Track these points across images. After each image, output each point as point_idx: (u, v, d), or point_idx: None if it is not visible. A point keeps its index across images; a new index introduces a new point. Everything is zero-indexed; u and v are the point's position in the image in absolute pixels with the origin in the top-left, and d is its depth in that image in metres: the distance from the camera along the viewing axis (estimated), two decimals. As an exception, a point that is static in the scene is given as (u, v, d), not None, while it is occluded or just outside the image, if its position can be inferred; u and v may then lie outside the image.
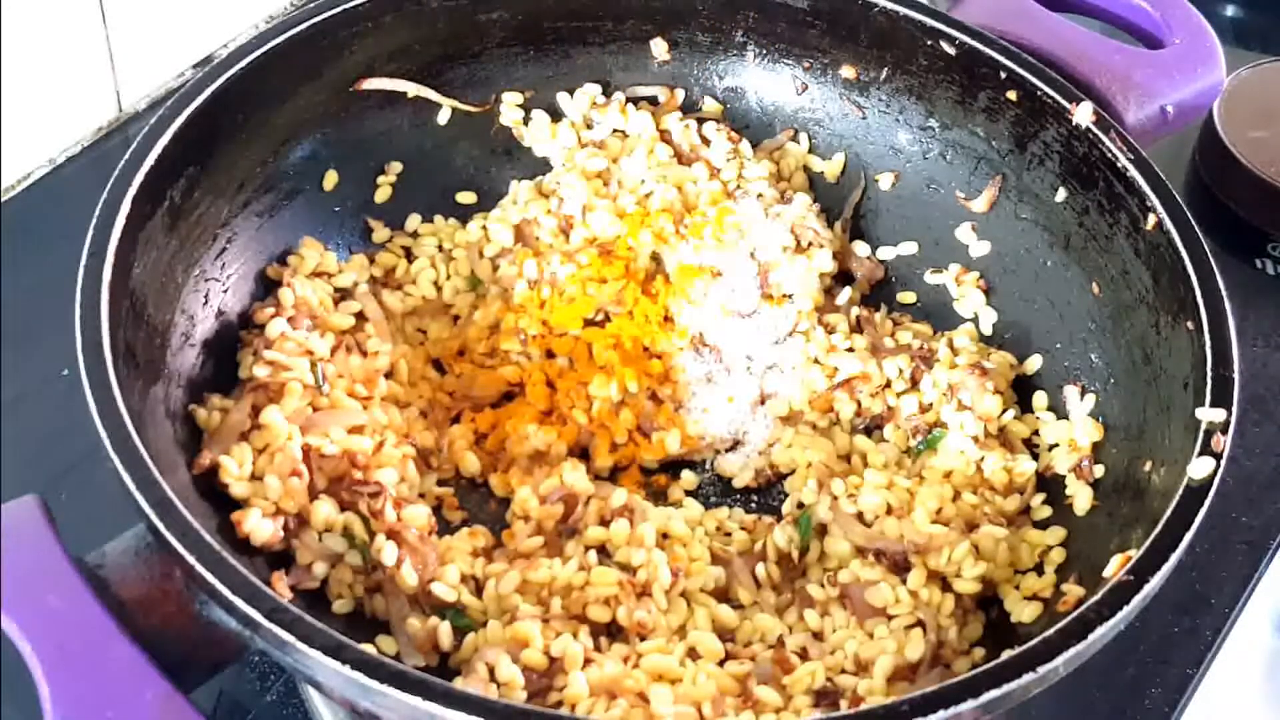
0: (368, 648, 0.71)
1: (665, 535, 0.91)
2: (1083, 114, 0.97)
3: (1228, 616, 1.01)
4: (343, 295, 1.00)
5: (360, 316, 0.99)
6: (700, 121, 1.10)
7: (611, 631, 0.86)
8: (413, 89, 1.05)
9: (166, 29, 1.25)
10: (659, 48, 1.10)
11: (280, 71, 0.97)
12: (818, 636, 0.88)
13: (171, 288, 0.90)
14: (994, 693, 0.69)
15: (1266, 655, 1.03)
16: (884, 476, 0.94)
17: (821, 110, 1.10)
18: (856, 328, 1.04)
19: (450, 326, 1.04)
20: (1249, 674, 1.03)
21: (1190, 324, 0.87)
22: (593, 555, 0.88)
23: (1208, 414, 0.82)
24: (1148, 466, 0.87)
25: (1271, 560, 1.04)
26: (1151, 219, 0.92)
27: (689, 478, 0.99)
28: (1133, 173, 0.94)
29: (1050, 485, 0.94)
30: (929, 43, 1.03)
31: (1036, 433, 0.98)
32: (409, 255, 1.05)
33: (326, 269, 1.01)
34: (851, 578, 0.89)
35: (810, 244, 1.05)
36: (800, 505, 0.95)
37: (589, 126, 1.10)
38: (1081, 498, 0.91)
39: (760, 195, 1.07)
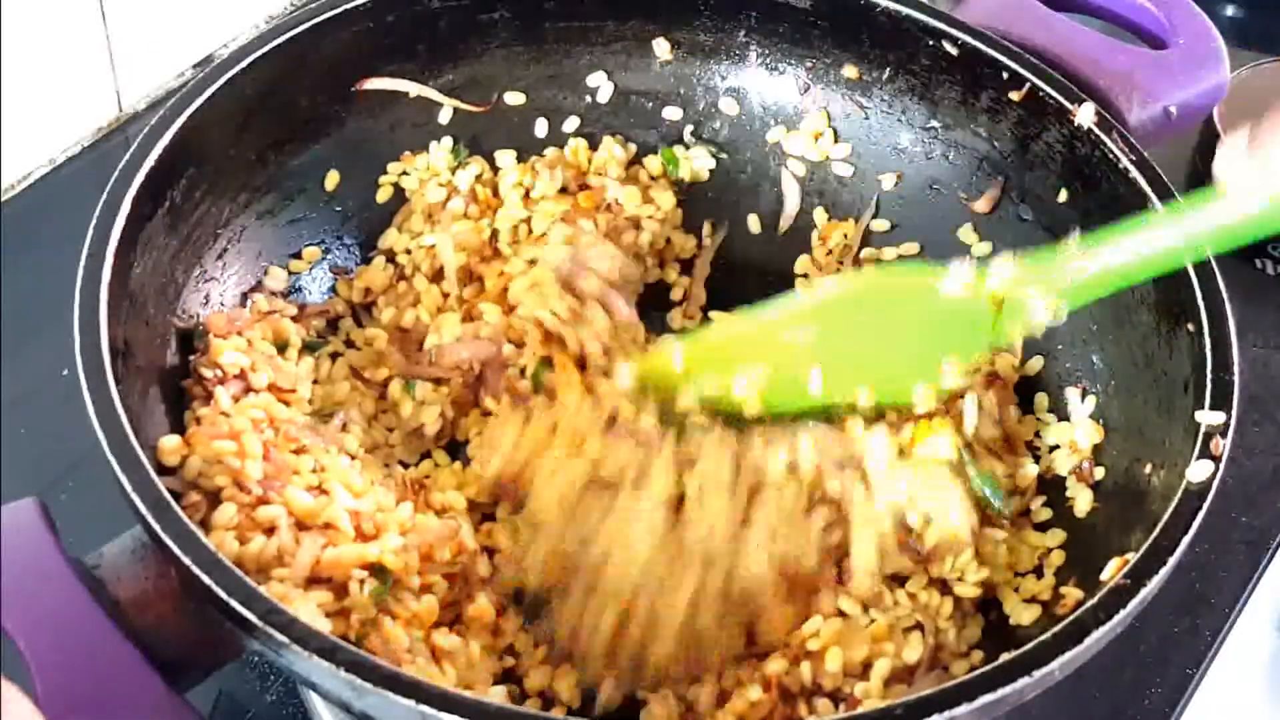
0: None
1: None
2: (1085, 115, 0.96)
3: (1228, 616, 1.01)
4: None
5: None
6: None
7: None
8: (414, 89, 1.05)
9: (166, 29, 1.25)
10: (661, 48, 1.09)
11: (280, 71, 0.97)
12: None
13: (171, 288, 0.90)
14: (988, 697, 0.69)
15: (1266, 655, 1.03)
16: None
17: (824, 110, 1.10)
18: (857, 328, 1.03)
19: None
20: (1249, 674, 1.02)
21: (1190, 325, 0.87)
22: None
23: (1207, 417, 0.82)
24: (1148, 469, 0.87)
25: (1271, 560, 1.04)
26: (1153, 219, 0.92)
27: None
28: (1134, 174, 0.93)
29: (1050, 487, 0.94)
30: (931, 43, 1.02)
31: (1037, 434, 0.97)
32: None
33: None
34: (850, 578, 0.89)
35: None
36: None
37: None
38: (1082, 500, 0.91)
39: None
